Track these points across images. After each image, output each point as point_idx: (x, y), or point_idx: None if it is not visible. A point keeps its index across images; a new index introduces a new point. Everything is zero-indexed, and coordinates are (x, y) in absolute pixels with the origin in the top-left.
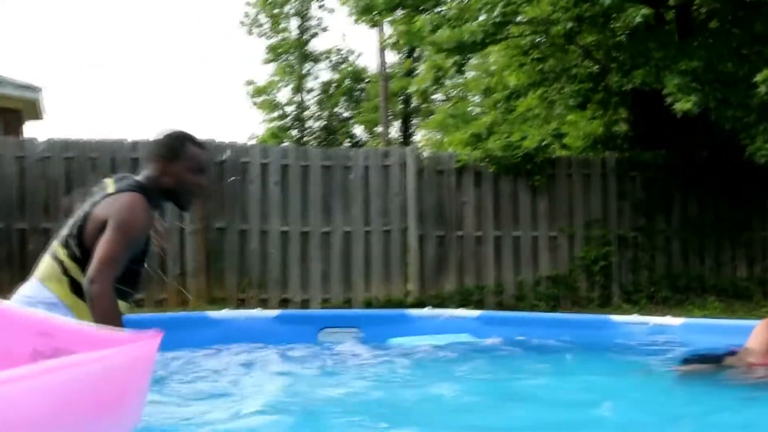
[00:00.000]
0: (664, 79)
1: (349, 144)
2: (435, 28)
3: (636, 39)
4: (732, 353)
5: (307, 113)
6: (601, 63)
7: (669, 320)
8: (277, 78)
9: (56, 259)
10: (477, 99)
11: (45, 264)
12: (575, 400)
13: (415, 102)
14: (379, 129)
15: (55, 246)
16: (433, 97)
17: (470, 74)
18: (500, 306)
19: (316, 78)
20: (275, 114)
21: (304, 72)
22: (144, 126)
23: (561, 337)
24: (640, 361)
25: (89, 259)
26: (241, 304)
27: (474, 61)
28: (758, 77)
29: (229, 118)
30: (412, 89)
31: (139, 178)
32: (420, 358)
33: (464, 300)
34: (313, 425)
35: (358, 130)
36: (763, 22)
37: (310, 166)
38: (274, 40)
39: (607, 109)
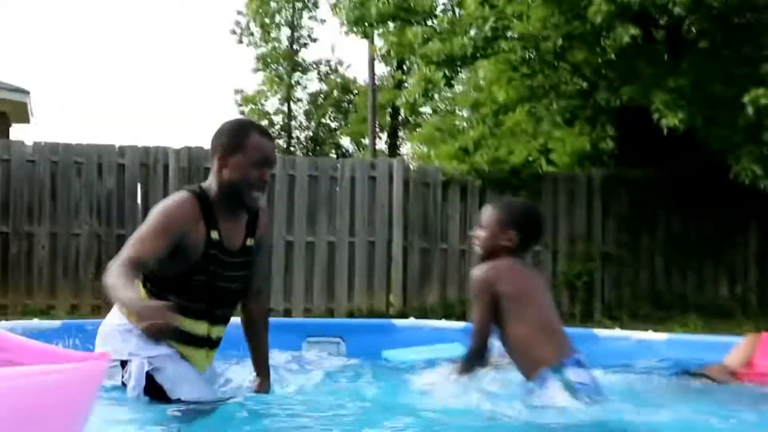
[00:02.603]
0: (651, 95)
1: (336, 155)
2: (425, 41)
3: (625, 57)
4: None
5: (294, 123)
6: (590, 80)
7: (653, 335)
8: (265, 87)
9: None
10: (465, 113)
11: None
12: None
13: (403, 115)
14: (366, 141)
15: None
16: (422, 110)
17: (459, 88)
18: None
19: (305, 88)
20: (263, 123)
21: (292, 82)
22: (131, 131)
23: None
24: (627, 377)
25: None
26: None
27: (463, 75)
28: (745, 98)
29: (217, 125)
30: (400, 102)
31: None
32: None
33: (447, 312)
34: None
35: (345, 142)
36: (752, 44)
37: (296, 176)
38: (264, 50)
39: (594, 126)
